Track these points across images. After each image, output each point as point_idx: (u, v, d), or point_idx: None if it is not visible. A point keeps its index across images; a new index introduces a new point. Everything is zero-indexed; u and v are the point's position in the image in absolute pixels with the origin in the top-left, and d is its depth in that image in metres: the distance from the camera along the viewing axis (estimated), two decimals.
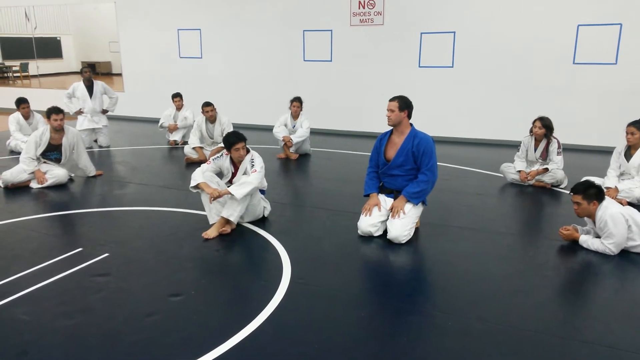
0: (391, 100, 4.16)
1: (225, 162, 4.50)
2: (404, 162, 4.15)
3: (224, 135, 6.96)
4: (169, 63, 10.62)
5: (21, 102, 7.50)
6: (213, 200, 4.20)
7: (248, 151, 4.46)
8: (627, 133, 5.20)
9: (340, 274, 3.57)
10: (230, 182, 4.49)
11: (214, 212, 4.34)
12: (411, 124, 4.21)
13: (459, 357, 2.61)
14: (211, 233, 4.17)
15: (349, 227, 4.37)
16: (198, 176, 4.31)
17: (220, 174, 4.53)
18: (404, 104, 4.12)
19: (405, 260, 3.85)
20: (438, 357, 2.62)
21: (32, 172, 5.66)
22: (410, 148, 4.10)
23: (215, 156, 4.53)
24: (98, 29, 21.43)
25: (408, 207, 4.14)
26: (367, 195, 4.38)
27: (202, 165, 4.49)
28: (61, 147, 5.88)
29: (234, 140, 4.33)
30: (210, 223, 4.35)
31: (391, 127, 4.25)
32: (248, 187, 4.21)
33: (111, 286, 3.34)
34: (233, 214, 4.22)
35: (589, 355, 2.63)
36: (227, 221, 4.27)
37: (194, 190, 4.35)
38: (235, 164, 4.49)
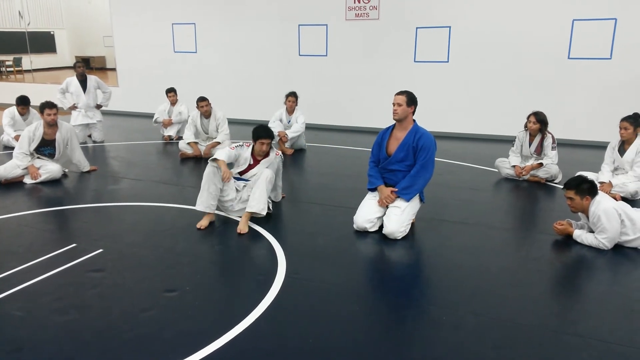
0: (398, 94, 4.08)
1: (245, 153, 4.55)
2: (405, 158, 4.13)
3: (219, 130, 7.05)
4: (163, 58, 10.57)
5: (20, 104, 7.24)
6: (225, 181, 4.30)
7: (271, 149, 4.55)
8: (620, 128, 5.21)
9: (336, 269, 3.57)
10: (242, 173, 4.56)
11: (210, 201, 4.33)
12: (414, 120, 4.20)
13: (454, 351, 2.62)
14: (204, 222, 4.27)
15: (344, 222, 4.37)
16: (224, 155, 4.35)
17: (230, 164, 4.53)
18: (411, 100, 4.08)
19: (400, 254, 3.86)
20: (433, 351, 2.63)
21: (26, 168, 5.63)
22: (411, 143, 4.09)
23: (239, 143, 4.57)
24: (92, 23, 21.31)
25: (403, 203, 4.14)
26: (373, 190, 4.28)
27: (226, 148, 4.51)
28: (55, 142, 5.85)
29: (264, 135, 4.41)
30: (198, 207, 4.33)
31: (395, 122, 4.19)
32: (264, 198, 4.34)
33: (106, 282, 3.33)
34: (262, 207, 4.32)
35: (582, 349, 2.65)
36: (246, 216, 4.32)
37: (213, 164, 4.31)
38: (255, 157, 4.54)
